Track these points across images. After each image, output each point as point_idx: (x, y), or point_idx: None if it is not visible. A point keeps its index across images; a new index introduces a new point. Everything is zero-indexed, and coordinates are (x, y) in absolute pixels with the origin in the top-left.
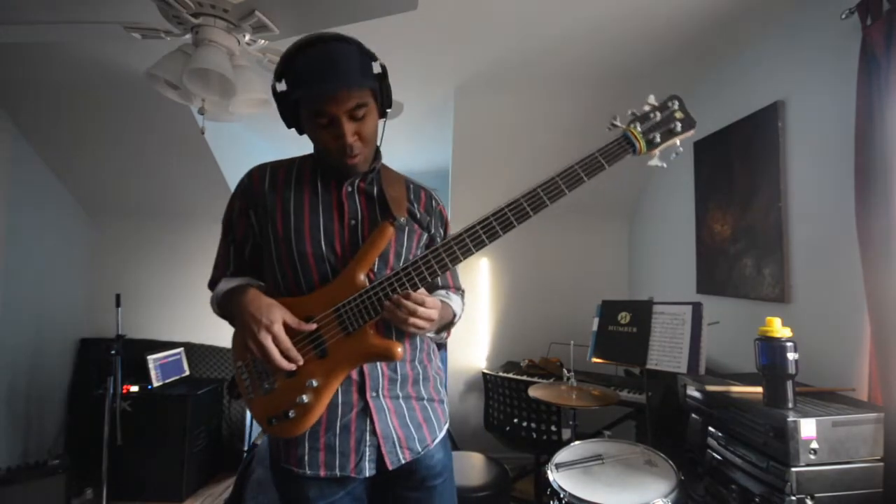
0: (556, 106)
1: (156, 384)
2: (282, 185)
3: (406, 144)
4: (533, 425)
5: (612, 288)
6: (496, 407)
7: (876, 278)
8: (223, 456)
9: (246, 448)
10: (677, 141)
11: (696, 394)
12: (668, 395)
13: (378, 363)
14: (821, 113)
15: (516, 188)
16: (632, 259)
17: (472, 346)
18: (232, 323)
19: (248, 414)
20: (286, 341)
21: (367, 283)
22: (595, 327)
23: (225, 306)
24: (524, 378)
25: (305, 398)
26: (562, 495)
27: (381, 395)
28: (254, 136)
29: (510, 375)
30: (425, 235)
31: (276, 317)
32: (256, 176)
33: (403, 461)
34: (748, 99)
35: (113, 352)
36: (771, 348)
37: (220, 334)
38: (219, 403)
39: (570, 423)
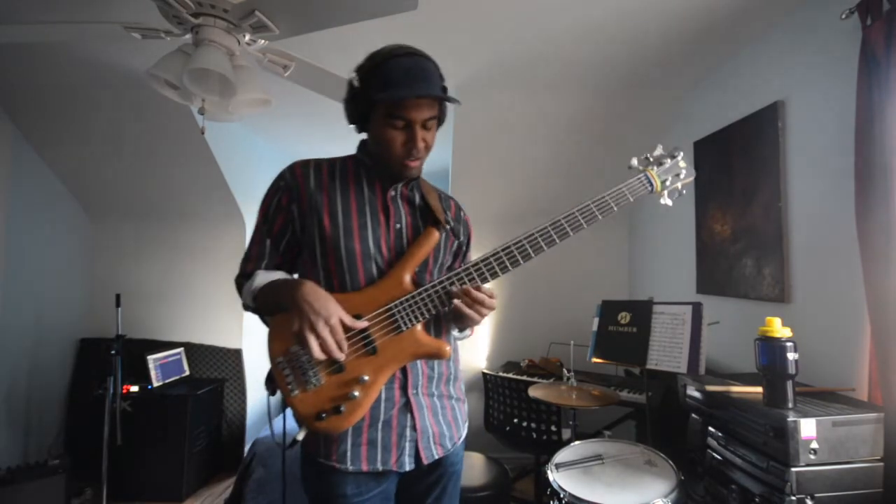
0: (556, 106)
1: (156, 384)
2: (327, 184)
3: None
4: (533, 425)
5: (612, 288)
6: (496, 407)
7: (876, 278)
8: (223, 456)
9: (246, 450)
10: (679, 185)
11: (696, 394)
12: (668, 395)
13: (419, 361)
14: (821, 113)
15: (516, 188)
16: (632, 259)
17: (472, 346)
18: (264, 316)
19: (248, 414)
20: (342, 335)
21: (413, 286)
22: (595, 327)
23: (266, 297)
24: (524, 378)
25: (357, 393)
26: (562, 495)
27: (420, 393)
28: (254, 136)
29: (510, 375)
30: (456, 242)
31: (334, 311)
32: (300, 171)
33: (436, 457)
34: (748, 99)
35: (113, 352)
36: (771, 348)
37: (220, 334)
38: (219, 403)
39: (570, 423)
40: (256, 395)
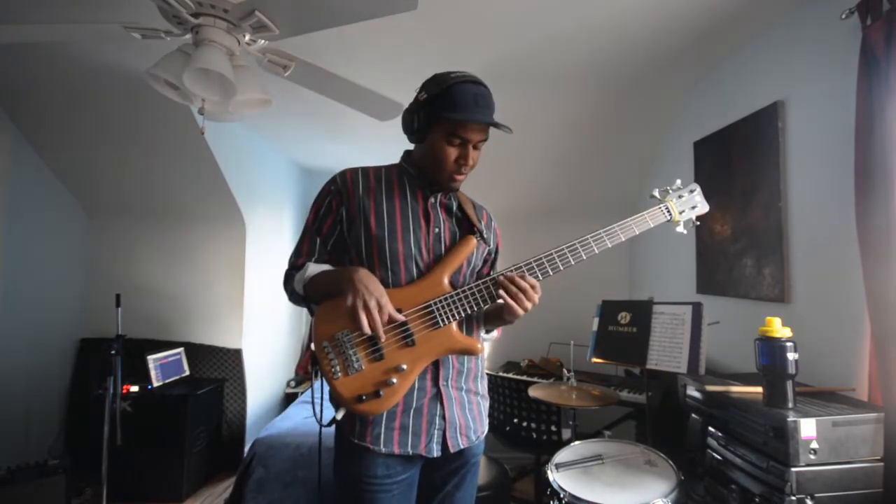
0: (557, 106)
1: (156, 384)
2: (374, 189)
3: (406, 145)
4: (533, 425)
5: (612, 288)
6: (496, 407)
7: (876, 278)
8: (223, 456)
9: (247, 449)
10: (694, 216)
11: (696, 394)
12: (668, 395)
13: (450, 356)
14: (821, 113)
15: (516, 187)
16: (632, 259)
17: None
18: (311, 303)
19: (248, 414)
20: (388, 316)
21: (451, 287)
22: (595, 327)
23: (318, 284)
24: (524, 378)
25: (395, 380)
26: (562, 495)
27: (449, 385)
28: (254, 136)
29: (510, 375)
30: (487, 249)
31: (384, 293)
32: (350, 177)
33: (461, 447)
34: (748, 99)
35: (113, 352)
36: (771, 348)
37: (220, 334)
38: (219, 403)
39: (570, 423)
40: (256, 394)
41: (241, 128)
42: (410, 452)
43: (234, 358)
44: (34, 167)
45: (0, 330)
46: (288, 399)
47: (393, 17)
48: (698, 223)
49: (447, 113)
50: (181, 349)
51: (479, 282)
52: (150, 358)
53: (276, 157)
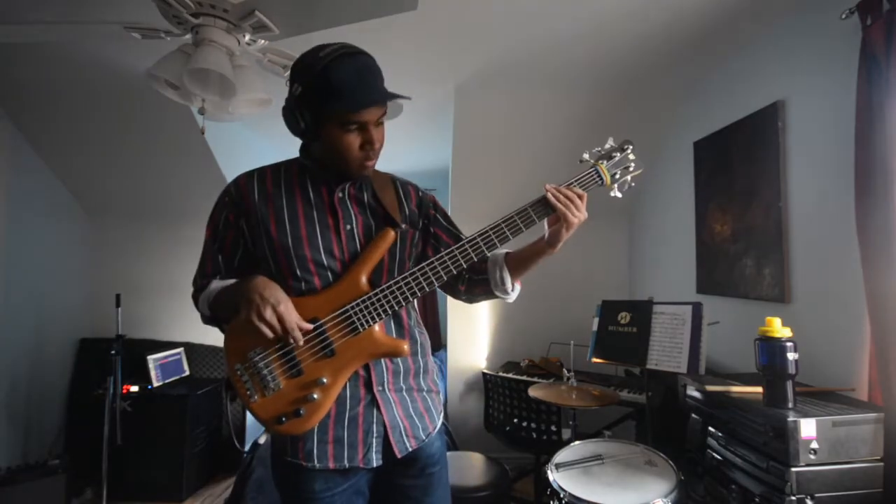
0: (556, 106)
1: (156, 384)
2: (272, 194)
3: (406, 144)
4: (533, 425)
5: (612, 288)
6: (496, 407)
7: (876, 278)
8: (223, 456)
9: (246, 450)
10: (629, 177)
11: (696, 394)
12: (668, 395)
13: (382, 359)
14: (821, 113)
15: (516, 188)
16: (632, 259)
17: (472, 346)
18: (220, 323)
19: (248, 414)
20: (292, 320)
21: (370, 286)
22: (595, 327)
23: (221, 300)
24: (524, 378)
25: (316, 395)
26: (562, 495)
27: (386, 389)
28: (254, 136)
29: (510, 375)
30: (417, 234)
31: (283, 298)
32: (244, 185)
33: (410, 449)
34: (748, 99)
35: (113, 352)
36: (771, 348)
37: (220, 334)
38: (219, 403)
39: (570, 423)
40: None
41: (241, 127)
42: (347, 465)
43: None
44: (34, 167)
45: (0, 330)
46: None
47: (393, 17)
48: (633, 184)
49: (331, 104)
50: (181, 349)
51: (407, 273)
52: (150, 358)
53: (276, 156)
